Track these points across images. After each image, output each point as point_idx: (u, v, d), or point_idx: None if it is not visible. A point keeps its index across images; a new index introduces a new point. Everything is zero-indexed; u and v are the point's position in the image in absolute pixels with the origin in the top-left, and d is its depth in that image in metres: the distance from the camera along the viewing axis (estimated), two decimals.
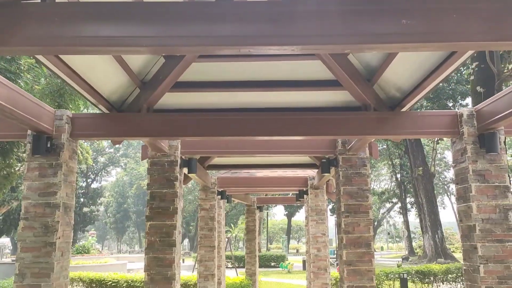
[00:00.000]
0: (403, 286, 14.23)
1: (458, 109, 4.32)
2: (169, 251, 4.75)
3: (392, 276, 14.19)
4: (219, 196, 9.00)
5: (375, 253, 4.88)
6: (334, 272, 13.10)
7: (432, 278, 14.97)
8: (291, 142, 5.43)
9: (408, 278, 14.56)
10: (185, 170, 5.57)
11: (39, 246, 3.69)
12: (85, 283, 16.53)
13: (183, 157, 5.26)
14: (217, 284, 8.66)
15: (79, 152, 29.28)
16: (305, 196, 9.12)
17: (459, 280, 15.45)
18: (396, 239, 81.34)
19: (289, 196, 14.49)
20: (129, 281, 14.78)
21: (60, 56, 3.18)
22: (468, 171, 3.88)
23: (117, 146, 71.69)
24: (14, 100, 3.32)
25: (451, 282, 15.38)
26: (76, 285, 16.94)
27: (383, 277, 13.91)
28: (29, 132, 3.88)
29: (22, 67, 10.46)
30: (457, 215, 4.08)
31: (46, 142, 3.81)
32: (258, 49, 2.41)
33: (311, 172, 9.04)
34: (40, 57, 3.12)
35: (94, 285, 16.21)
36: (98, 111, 4.30)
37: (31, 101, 3.59)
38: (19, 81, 10.12)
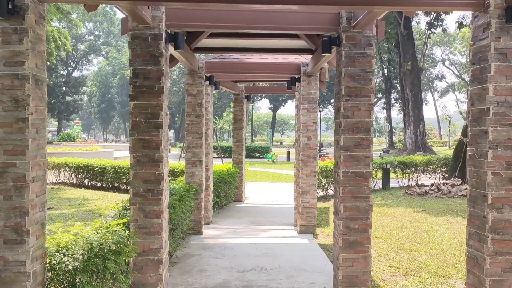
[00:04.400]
0: (385, 176, 14.67)
1: None
2: (156, 133, 4.43)
3: (375, 166, 14.52)
4: (207, 82, 8.56)
5: None
6: (319, 162, 13.31)
7: (413, 169, 15.41)
8: (290, 16, 4.87)
9: (390, 168, 14.95)
10: (171, 48, 5.05)
11: (10, 121, 3.30)
12: (72, 169, 16.64)
13: (169, 30, 4.70)
14: (204, 171, 8.61)
15: (57, 37, 27.63)
16: (297, 83, 8.72)
17: (439, 171, 15.99)
18: (377, 133, 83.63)
19: (278, 86, 14.04)
20: (116, 167, 14.89)
21: None
22: (489, 48, 3.48)
23: (97, 33, 68.53)
24: None
25: (431, 173, 15.90)
26: (63, 170, 17.11)
27: None
28: None
29: None
30: (468, 98, 3.77)
31: (7, 2, 3.22)
32: None
33: (304, 60, 8.55)
34: None
35: (81, 170, 16.34)
36: None
37: None
38: None
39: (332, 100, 59.41)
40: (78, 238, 3.99)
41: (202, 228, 8.13)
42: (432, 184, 13.74)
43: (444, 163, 15.92)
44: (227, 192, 11.12)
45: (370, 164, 4.55)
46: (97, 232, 4.18)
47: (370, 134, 4.55)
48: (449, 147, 48.52)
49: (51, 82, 56.91)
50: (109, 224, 4.27)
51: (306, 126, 8.20)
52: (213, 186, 9.82)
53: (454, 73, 68.77)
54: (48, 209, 10.97)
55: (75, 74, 65.93)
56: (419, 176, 15.65)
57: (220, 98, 57.79)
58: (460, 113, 72.06)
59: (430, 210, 10.40)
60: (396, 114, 60.47)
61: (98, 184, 15.78)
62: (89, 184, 16.15)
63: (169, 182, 7.82)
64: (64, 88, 59.46)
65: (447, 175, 15.64)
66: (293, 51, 7.88)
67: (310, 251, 6.91)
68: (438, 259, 6.33)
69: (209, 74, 8.51)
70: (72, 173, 16.76)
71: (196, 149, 8.10)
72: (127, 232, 4.40)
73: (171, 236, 5.94)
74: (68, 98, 59.47)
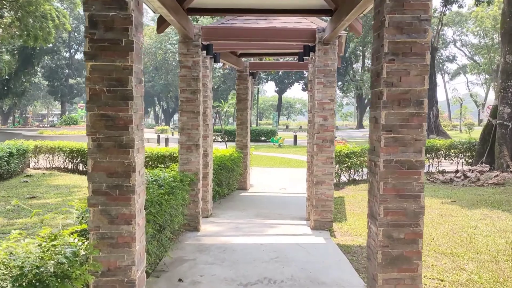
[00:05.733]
0: None
1: None
2: (123, 106, 3.17)
3: None
4: (204, 52, 7.25)
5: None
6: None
7: (433, 154, 14.09)
8: None
9: None
10: None
11: None
12: (65, 153, 15.63)
13: None
14: (202, 157, 7.38)
15: (55, 16, 26.16)
16: (311, 54, 7.39)
17: (461, 156, 14.65)
18: None
19: (286, 62, 12.72)
20: None
21: None
22: None
23: None
24: None
25: (453, 158, 14.57)
26: (58, 155, 16.08)
27: None
28: None
29: None
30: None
31: None
32: None
33: (319, 25, 7.21)
34: None
35: (74, 154, 15.34)
36: None
37: None
38: None
39: (340, 83, 57.53)
40: (10, 256, 2.79)
41: (199, 223, 6.93)
42: (457, 171, 12.43)
43: (468, 148, 14.55)
44: (230, 180, 9.90)
45: (422, 150, 3.28)
46: (40, 246, 2.98)
47: (423, 108, 3.26)
48: (460, 130, 46.88)
49: (54, 65, 55.65)
50: (55, 235, 3.04)
51: (321, 104, 6.90)
52: (213, 174, 8.60)
53: (466, 55, 66.69)
54: (31, 198, 9.87)
55: (78, 56, 64.57)
56: (440, 161, 14.32)
57: (225, 80, 56.25)
58: (471, 95, 70.01)
59: (461, 201, 9.11)
60: None
61: None
62: (84, 169, 15.04)
63: (160, 169, 6.59)
64: (66, 71, 58.30)
65: (471, 161, 14.30)
66: (307, 12, 6.54)
67: (329, 255, 5.68)
68: (491, 268, 5.07)
69: (206, 42, 7.19)
70: (66, 158, 15.74)
71: (191, 131, 6.84)
72: (85, 243, 3.19)
73: (157, 240, 4.74)
74: (71, 81, 58.39)
